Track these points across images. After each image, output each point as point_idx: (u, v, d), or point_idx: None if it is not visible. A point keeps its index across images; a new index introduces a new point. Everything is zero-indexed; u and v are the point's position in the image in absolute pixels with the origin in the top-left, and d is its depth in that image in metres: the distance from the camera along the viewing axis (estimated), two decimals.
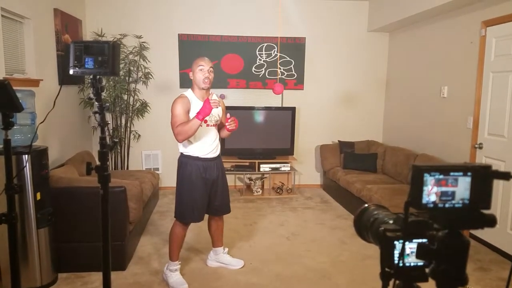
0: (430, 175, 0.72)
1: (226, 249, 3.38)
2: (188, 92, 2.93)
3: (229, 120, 2.93)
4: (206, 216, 3.19)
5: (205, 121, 2.86)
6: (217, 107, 2.79)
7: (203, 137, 2.89)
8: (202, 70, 2.86)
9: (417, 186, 0.72)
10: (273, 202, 5.26)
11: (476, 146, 3.93)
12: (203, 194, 2.94)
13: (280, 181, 5.75)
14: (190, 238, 3.80)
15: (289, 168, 5.52)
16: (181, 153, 2.97)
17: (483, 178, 0.72)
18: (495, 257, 3.56)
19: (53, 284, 2.97)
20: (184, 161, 2.93)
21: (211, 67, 2.90)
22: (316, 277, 3.16)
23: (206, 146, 2.91)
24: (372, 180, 4.81)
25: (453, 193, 0.73)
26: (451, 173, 0.72)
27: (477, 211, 0.74)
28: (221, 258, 3.32)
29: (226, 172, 5.50)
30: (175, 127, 2.76)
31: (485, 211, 0.74)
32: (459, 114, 4.23)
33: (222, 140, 5.41)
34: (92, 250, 3.03)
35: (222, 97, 5.51)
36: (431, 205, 0.73)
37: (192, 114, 2.82)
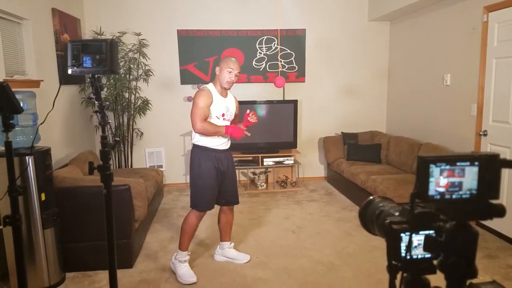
0: (436, 166, 0.70)
1: (232, 244, 3.39)
2: (210, 86, 3.04)
3: (250, 114, 3.03)
4: (216, 211, 3.26)
5: (223, 115, 3.03)
6: (244, 135, 2.99)
7: None
8: (231, 73, 2.96)
9: (423, 178, 0.70)
10: (278, 195, 5.25)
11: (481, 133, 3.90)
12: (215, 184, 3.05)
13: (284, 174, 5.74)
14: (199, 233, 3.80)
15: (292, 162, 5.51)
16: (194, 144, 3.07)
17: (491, 167, 0.70)
18: (502, 244, 3.54)
19: (61, 283, 2.98)
20: (198, 152, 3.03)
21: (238, 71, 3.01)
22: (323, 270, 3.16)
23: (222, 138, 3.04)
24: (377, 171, 4.78)
25: (460, 184, 0.71)
26: (458, 163, 0.70)
27: (486, 201, 0.72)
28: (226, 253, 3.33)
29: None
30: (200, 119, 2.86)
31: (494, 201, 0.72)
32: (462, 102, 4.20)
33: None
34: (99, 249, 3.04)
35: None
36: (438, 197, 0.71)
37: (214, 108, 2.95)
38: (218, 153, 3.04)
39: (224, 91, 3.05)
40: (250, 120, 3.03)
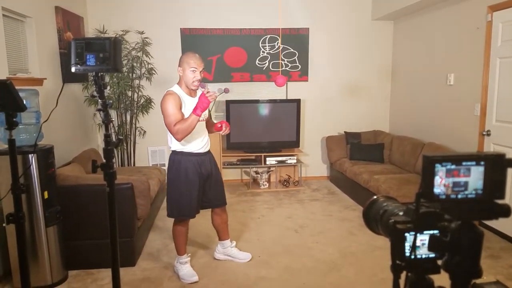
0: (442, 166, 0.69)
1: (234, 243, 3.37)
2: (176, 88, 2.86)
3: (223, 127, 2.99)
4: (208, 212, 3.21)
5: None
6: (214, 100, 2.78)
7: (196, 132, 2.86)
8: (195, 72, 2.79)
9: (429, 177, 0.70)
10: (280, 195, 5.25)
11: (484, 133, 3.88)
12: (199, 190, 2.95)
13: (286, 173, 5.73)
14: (198, 233, 3.80)
15: (295, 161, 5.50)
16: (174, 151, 2.94)
17: (497, 167, 0.70)
18: (506, 245, 3.53)
19: (63, 281, 2.99)
20: (178, 158, 2.90)
21: (203, 68, 2.84)
22: (325, 269, 3.16)
23: (199, 141, 2.92)
24: (379, 170, 4.77)
25: (465, 184, 0.70)
26: (464, 163, 0.70)
27: (491, 201, 0.71)
28: (228, 251, 3.32)
29: (232, 166, 5.54)
30: (173, 126, 2.70)
31: (499, 201, 0.72)
32: (466, 101, 4.18)
33: (228, 135, 5.40)
34: (101, 247, 3.04)
35: (226, 91, 5.49)
36: (443, 196, 0.70)
37: (185, 111, 2.80)
38: (200, 156, 2.93)
39: (192, 91, 2.89)
40: (222, 134, 3.01)
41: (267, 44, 5.63)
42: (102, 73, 1.72)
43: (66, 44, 4.34)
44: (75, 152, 4.34)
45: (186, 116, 2.77)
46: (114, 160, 1.88)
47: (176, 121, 2.71)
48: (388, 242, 0.82)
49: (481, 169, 0.70)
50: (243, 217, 4.33)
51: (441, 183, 0.70)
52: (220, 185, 3.13)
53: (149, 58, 5.31)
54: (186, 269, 3.04)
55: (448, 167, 0.70)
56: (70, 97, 4.57)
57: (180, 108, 2.78)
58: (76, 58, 1.66)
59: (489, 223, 3.76)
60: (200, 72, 2.81)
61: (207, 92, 2.69)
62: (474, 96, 4.04)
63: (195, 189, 2.92)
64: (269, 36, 5.61)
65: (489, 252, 3.38)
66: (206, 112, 2.92)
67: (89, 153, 4.27)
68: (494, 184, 0.70)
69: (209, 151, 3.04)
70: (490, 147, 3.86)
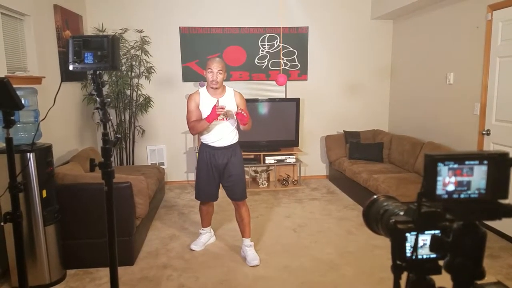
0: (444, 165, 0.68)
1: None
2: (203, 89, 3.22)
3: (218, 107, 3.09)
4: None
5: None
6: (222, 112, 3.01)
7: (212, 129, 3.19)
8: (211, 73, 3.09)
9: (431, 176, 0.68)
10: (279, 194, 5.24)
11: (484, 132, 3.87)
12: (207, 177, 3.26)
13: (285, 173, 5.73)
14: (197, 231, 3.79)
15: (294, 160, 5.49)
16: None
17: (500, 166, 0.69)
18: (505, 244, 3.52)
19: (61, 280, 2.98)
20: (200, 147, 3.35)
21: (220, 69, 3.09)
22: (324, 269, 3.15)
23: (211, 136, 3.20)
24: (379, 169, 4.77)
25: (468, 183, 0.69)
26: (466, 162, 0.68)
27: (494, 201, 0.70)
28: (243, 249, 3.35)
29: None
30: (189, 122, 3.16)
31: (502, 201, 0.71)
32: (465, 101, 4.17)
33: None
34: (100, 246, 3.02)
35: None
36: (446, 196, 0.69)
37: (201, 107, 3.15)
38: (212, 149, 3.23)
39: (216, 91, 3.15)
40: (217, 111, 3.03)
41: (266, 43, 5.62)
42: (100, 71, 1.70)
43: (64, 43, 4.32)
44: (74, 151, 4.32)
45: (203, 112, 3.14)
46: (112, 159, 1.87)
47: (192, 119, 3.15)
48: (387, 242, 0.81)
49: (484, 168, 0.69)
50: None
51: (443, 183, 0.69)
52: (233, 179, 3.27)
53: (148, 57, 5.30)
54: (199, 238, 3.54)
55: (451, 166, 0.68)
56: (69, 96, 4.56)
57: (197, 106, 3.16)
58: (74, 56, 1.65)
59: (489, 222, 3.75)
60: (218, 72, 3.07)
61: (218, 107, 3.00)
62: (473, 95, 4.03)
63: (202, 176, 3.27)
64: (268, 35, 5.59)
65: (488, 251, 3.37)
66: (231, 111, 3.15)
67: (87, 151, 4.25)
68: (497, 183, 0.69)
69: (226, 147, 3.23)
70: (490, 146, 3.85)
